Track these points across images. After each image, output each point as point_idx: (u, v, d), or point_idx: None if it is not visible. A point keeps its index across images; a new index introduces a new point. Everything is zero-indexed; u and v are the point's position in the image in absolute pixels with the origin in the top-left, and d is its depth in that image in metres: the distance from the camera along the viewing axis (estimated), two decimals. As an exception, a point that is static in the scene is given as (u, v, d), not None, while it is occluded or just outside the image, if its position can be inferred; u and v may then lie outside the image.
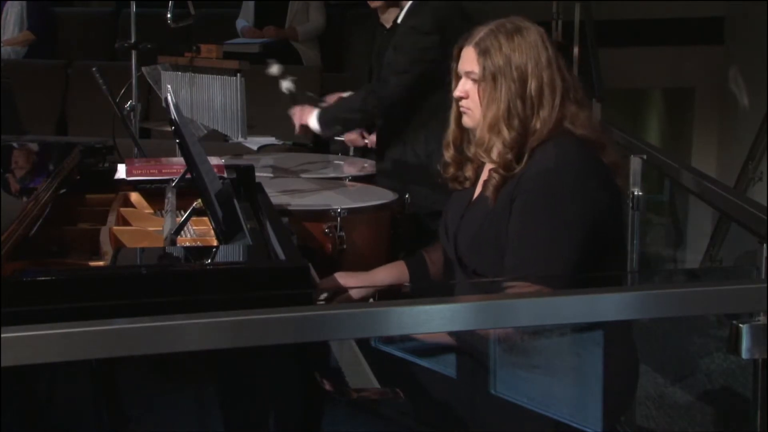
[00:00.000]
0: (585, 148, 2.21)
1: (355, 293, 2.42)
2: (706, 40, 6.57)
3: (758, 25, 5.61)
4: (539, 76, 2.20)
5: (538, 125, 2.20)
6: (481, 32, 2.26)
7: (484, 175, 2.32)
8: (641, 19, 6.54)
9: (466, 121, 2.31)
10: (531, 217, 2.14)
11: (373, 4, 3.86)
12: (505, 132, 2.19)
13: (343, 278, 2.45)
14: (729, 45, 6.47)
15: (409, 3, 3.69)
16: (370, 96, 3.59)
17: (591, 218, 2.14)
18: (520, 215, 2.16)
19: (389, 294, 2.46)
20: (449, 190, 2.46)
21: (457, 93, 2.30)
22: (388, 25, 3.83)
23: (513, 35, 2.22)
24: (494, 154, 2.22)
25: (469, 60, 2.26)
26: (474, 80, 2.25)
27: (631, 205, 3.05)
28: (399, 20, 3.72)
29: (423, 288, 2.58)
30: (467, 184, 2.38)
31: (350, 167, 3.85)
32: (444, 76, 3.59)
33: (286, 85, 3.87)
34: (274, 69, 3.85)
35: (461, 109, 2.31)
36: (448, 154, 2.39)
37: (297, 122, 3.72)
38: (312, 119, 3.65)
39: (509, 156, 2.19)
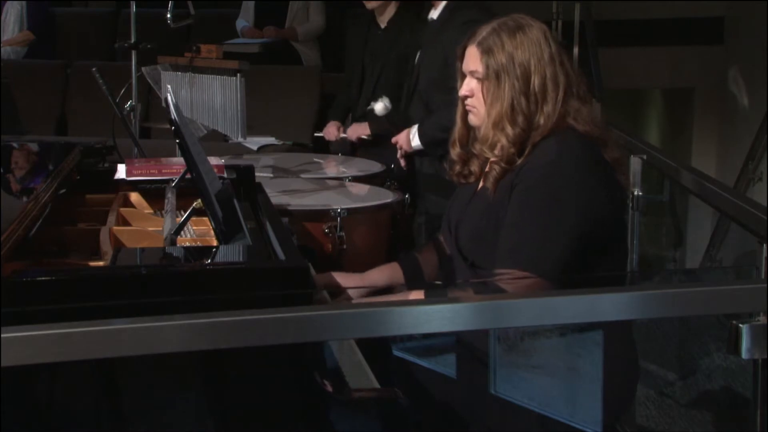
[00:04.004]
0: (587, 144, 2.22)
1: (350, 294, 2.42)
2: (706, 40, 6.56)
3: (758, 25, 5.60)
4: (542, 72, 2.21)
5: (541, 120, 2.22)
6: (483, 31, 2.27)
7: (487, 169, 2.33)
8: (641, 19, 6.53)
9: (472, 119, 2.32)
10: (528, 206, 2.15)
11: (369, 5, 3.86)
12: (509, 129, 2.20)
13: (337, 278, 2.46)
14: (729, 45, 6.47)
15: (442, 3, 3.66)
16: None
17: (589, 213, 2.15)
18: (518, 203, 2.17)
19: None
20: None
21: (462, 92, 2.32)
22: (383, 25, 3.83)
23: (515, 33, 2.23)
24: (497, 150, 2.23)
25: (472, 59, 2.27)
26: (478, 79, 2.27)
27: (631, 205, 3.05)
28: (436, 18, 3.67)
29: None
30: (472, 178, 2.39)
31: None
32: None
33: (380, 106, 3.97)
34: (379, 107, 3.99)
35: (467, 107, 2.32)
36: (455, 152, 2.41)
37: (403, 150, 3.75)
38: (415, 142, 3.70)
39: (512, 150, 2.21)
